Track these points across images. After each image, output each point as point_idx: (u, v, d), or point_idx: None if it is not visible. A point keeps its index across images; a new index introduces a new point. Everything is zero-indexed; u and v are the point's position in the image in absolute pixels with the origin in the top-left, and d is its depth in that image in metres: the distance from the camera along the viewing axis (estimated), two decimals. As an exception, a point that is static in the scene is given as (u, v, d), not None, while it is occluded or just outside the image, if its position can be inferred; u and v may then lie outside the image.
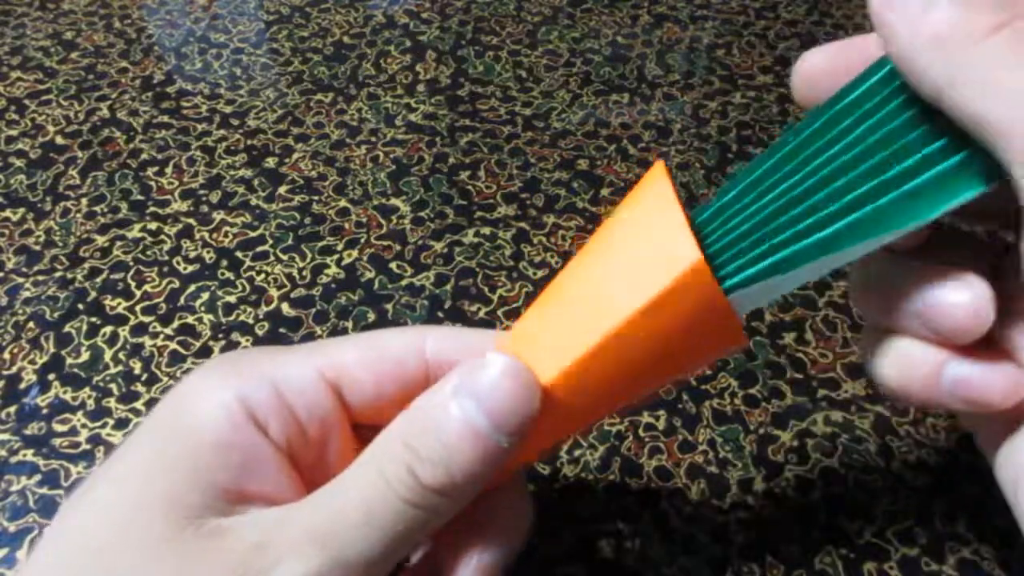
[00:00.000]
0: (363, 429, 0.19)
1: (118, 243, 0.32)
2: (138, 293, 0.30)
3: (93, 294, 0.30)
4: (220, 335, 0.29)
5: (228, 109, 0.38)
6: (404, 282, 0.31)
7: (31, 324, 0.29)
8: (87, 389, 0.27)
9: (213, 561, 0.15)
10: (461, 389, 0.16)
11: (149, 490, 0.16)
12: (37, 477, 0.25)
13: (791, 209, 0.16)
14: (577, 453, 0.26)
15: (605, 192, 0.34)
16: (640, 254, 0.17)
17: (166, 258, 0.31)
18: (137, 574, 0.15)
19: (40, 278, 0.31)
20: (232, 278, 0.31)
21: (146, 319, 0.29)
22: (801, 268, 0.16)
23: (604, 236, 0.18)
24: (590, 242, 0.18)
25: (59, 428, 0.26)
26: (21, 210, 0.33)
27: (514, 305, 0.30)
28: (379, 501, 0.15)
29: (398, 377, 0.18)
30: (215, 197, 0.33)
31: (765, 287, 0.16)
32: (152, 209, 0.33)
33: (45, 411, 0.27)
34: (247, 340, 0.29)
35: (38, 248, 0.32)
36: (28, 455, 0.26)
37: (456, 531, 0.18)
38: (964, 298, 0.15)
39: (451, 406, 0.16)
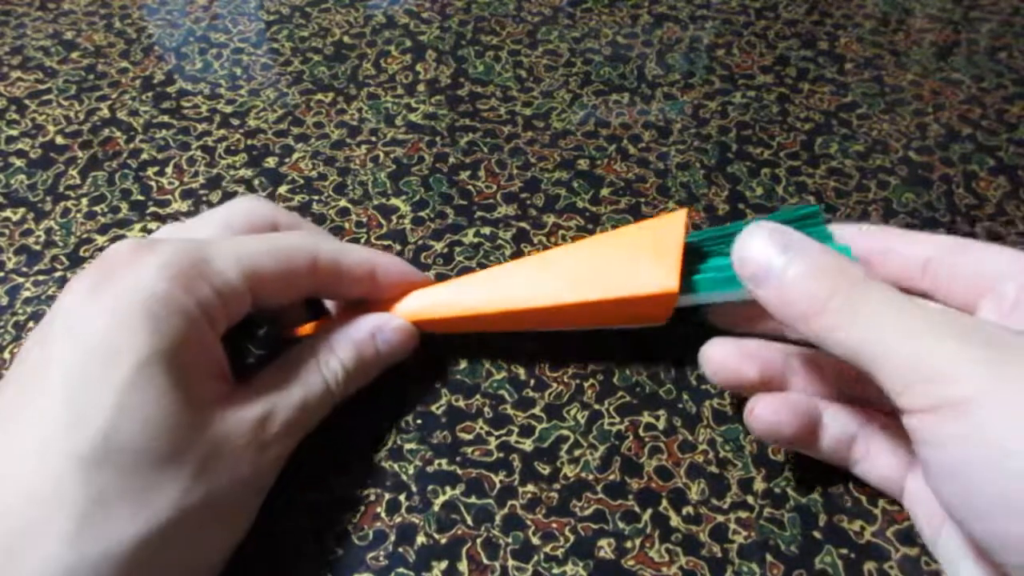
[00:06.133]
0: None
1: (118, 243, 0.32)
2: (138, 293, 0.30)
3: (93, 294, 0.30)
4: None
5: (228, 109, 0.38)
6: (404, 282, 0.30)
7: (31, 324, 0.29)
8: (87, 389, 0.27)
9: None
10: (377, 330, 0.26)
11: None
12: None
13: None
14: (577, 453, 0.26)
15: (605, 192, 0.34)
16: (636, 263, 0.25)
17: (166, 258, 0.31)
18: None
19: (40, 278, 0.31)
20: (232, 278, 0.30)
21: (146, 319, 0.29)
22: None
23: (613, 238, 0.26)
24: (599, 236, 0.27)
25: (59, 428, 0.26)
26: (21, 210, 0.33)
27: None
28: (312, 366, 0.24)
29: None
30: (215, 197, 0.33)
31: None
32: (152, 209, 0.33)
33: (45, 411, 0.27)
34: (248, 340, 0.29)
35: (38, 248, 0.32)
36: (28, 455, 0.26)
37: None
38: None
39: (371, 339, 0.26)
